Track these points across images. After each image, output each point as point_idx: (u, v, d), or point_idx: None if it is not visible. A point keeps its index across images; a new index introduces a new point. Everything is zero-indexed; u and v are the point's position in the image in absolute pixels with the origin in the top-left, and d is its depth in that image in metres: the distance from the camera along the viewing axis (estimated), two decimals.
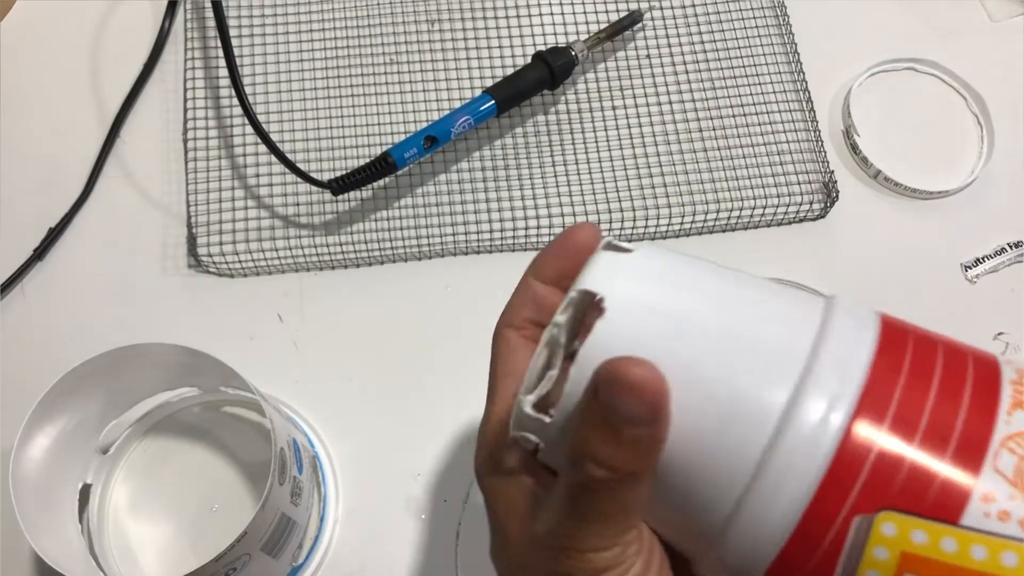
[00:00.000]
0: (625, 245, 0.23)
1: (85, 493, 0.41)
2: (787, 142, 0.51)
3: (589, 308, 0.22)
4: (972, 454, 0.19)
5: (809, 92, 0.52)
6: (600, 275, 0.22)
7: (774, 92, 0.52)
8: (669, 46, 0.53)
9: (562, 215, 0.48)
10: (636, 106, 0.51)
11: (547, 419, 0.22)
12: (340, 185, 0.45)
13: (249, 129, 0.47)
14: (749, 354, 0.20)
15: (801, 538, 0.19)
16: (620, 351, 0.20)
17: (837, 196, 0.50)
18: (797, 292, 0.22)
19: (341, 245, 0.48)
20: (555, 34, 0.53)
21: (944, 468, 0.19)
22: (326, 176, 0.46)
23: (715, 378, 0.20)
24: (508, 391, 0.25)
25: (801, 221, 0.50)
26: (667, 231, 0.49)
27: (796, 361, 0.20)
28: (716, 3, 0.54)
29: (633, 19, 0.52)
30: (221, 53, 0.48)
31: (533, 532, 0.23)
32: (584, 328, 0.22)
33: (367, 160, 0.46)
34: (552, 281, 0.25)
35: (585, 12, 0.54)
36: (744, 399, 0.20)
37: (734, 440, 0.20)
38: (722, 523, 0.20)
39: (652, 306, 0.21)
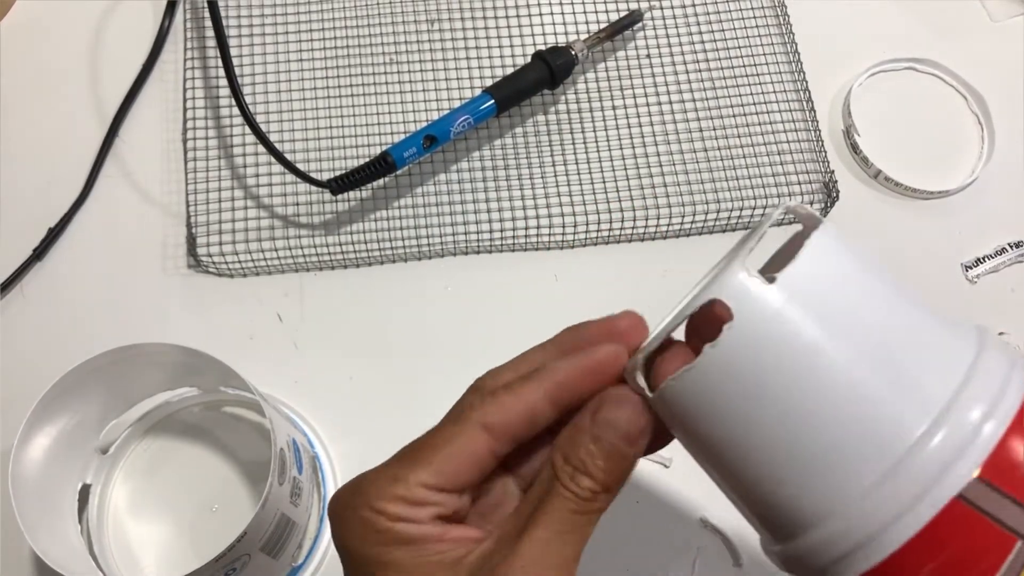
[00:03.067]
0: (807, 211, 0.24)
1: (85, 493, 0.41)
2: (787, 142, 0.51)
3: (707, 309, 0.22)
4: None
5: (809, 92, 0.52)
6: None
7: (774, 92, 0.52)
8: (669, 46, 0.53)
9: (562, 215, 0.48)
10: (636, 106, 0.51)
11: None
12: (339, 185, 0.45)
13: (249, 128, 0.47)
14: (904, 375, 0.21)
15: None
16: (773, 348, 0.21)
17: (837, 196, 0.50)
18: (946, 317, 0.23)
19: (341, 245, 0.48)
20: (555, 34, 0.53)
21: None
22: (325, 176, 0.46)
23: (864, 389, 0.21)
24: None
25: None
26: (667, 231, 0.49)
27: (946, 390, 0.21)
28: (716, 3, 0.54)
29: (633, 19, 0.52)
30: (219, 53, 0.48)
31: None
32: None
33: (366, 160, 0.46)
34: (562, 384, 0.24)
35: (585, 12, 0.53)
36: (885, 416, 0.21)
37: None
38: (859, 493, 0.20)
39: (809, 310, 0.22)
